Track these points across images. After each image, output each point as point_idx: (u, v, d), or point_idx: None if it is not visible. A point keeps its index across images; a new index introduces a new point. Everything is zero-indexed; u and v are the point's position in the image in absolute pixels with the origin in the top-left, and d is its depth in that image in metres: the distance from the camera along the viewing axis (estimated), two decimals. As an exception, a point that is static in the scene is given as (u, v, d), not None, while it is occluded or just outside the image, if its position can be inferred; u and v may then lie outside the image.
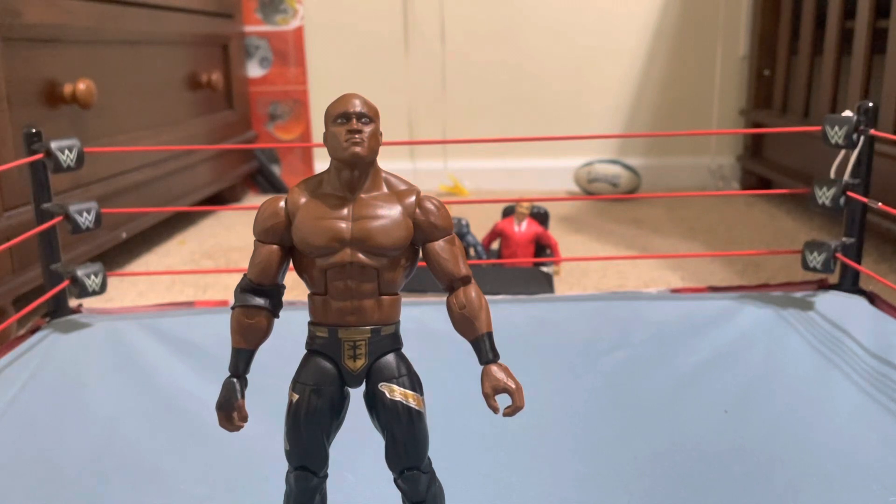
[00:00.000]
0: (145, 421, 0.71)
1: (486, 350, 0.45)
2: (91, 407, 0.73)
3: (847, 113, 0.87)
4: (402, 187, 0.46)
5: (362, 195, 0.45)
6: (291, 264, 0.47)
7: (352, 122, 0.44)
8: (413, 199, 0.46)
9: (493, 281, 1.15)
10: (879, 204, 0.84)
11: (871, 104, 0.86)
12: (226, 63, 2.00)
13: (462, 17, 2.13)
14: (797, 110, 1.78)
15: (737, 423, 0.69)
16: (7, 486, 0.61)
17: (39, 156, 0.84)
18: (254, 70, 2.17)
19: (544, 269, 1.25)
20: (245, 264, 0.47)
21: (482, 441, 0.65)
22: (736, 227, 1.68)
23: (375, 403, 0.46)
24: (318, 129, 2.20)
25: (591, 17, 2.12)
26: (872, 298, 0.90)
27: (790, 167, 1.78)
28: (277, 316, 0.47)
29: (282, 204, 0.46)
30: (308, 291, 0.46)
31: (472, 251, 1.27)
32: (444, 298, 0.46)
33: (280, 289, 0.47)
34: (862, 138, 0.87)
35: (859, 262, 0.91)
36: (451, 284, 0.46)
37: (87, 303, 0.92)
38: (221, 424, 0.46)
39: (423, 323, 0.78)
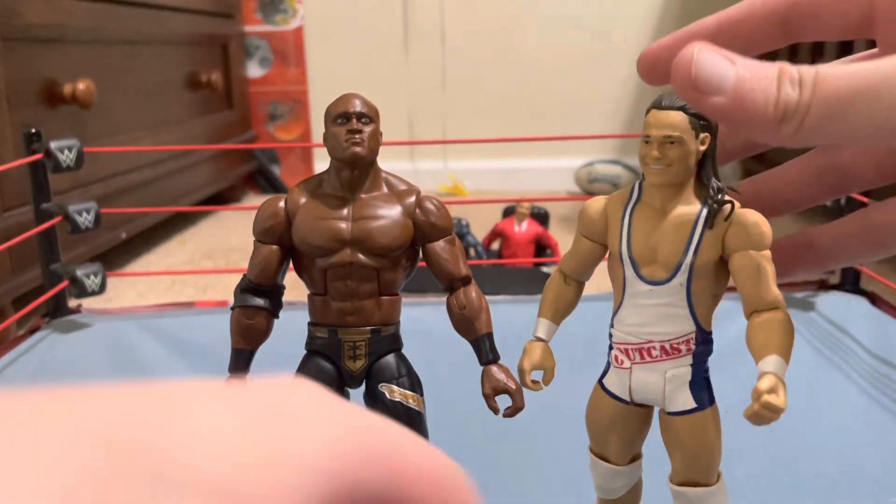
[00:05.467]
0: (145, 421, 0.71)
1: (486, 350, 0.45)
2: (91, 407, 0.73)
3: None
4: (402, 187, 0.46)
5: (362, 195, 0.45)
6: (291, 264, 0.47)
7: (352, 122, 0.44)
8: (413, 199, 0.46)
9: (493, 281, 1.15)
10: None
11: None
12: (225, 63, 2.00)
13: (462, 17, 2.13)
14: (797, 110, 1.77)
15: (737, 423, 0.69)
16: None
17: (39, 156, 0.84)
18: (254, 70, 2.17)
19: (544, 269, 1.25)
20: (245, 264, 0.47)
21: (482, 441, 0.65)
22: (736, 227, 1.67)
23: (375, 404, 0.46)
24: (318, 130, 2.20)
25: (592, 17, 2.12)
26: (873, 299, 0.90)
27: (790, 167, 1.78)
28: (277, 316, 0.47)
29: (281, 204, 0.46)
30: (308, 292, 0.46)
31: (472, 251, 1.27)
32: (444, 299, 0.46)
33: (280, 289, 0.47)
34: (862, 138, 0.87)
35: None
36: (451, 285, 0.46)
37: (87, 303, 0.92)
38: (221, 425, 0.45)
39: (423, 323, 0.78)
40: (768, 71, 0.28)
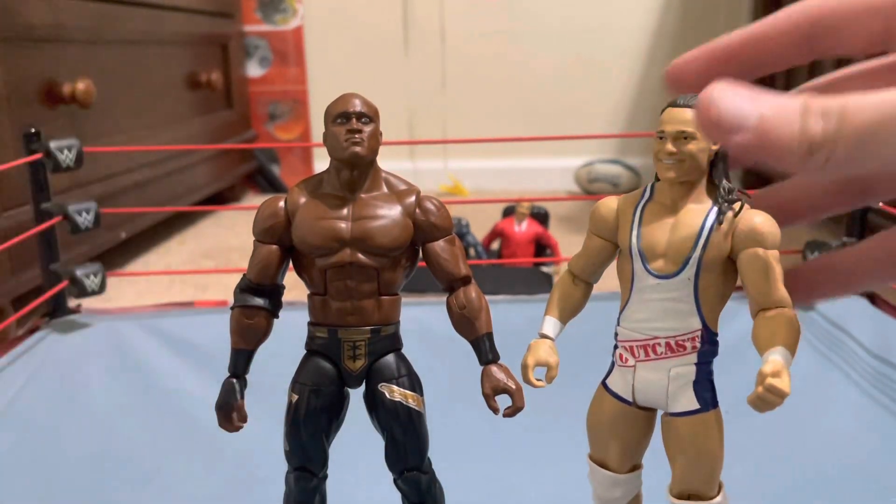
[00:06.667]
0: (145, 421, 0.71)
1: (485, 350, 0.45)
2: (91, 407, 0.73)
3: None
4: (402, 187, 0.46)
5: (362, 195, 0.45)
6: (291, 264, 0.47)
7: (351, 121, 0.44)
8: (413, 199, 0.45)
9: (493, 281, 1.15)
10: (880, 203, 0.84)
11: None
12: (225, 63, 2.00)
13: (462, 17, 2.13)
14: (797, 110, 1.77)
15: (737, 423, 0.69)
16: (7, 486, 0.61)
17: (38, 156, 0.84)
18: (253, 70, 2.17)
19: (544, 269, 1.25)
20: (245, 264, 0.47)
21: (482, 441, 0.65)
22: (736, 227, 1.67)
23: (375, 404, 0.46)
24: (317, 129, 2.20)
25: (592, 17, 2.12)
26: (873, 298, 0.90)
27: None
28: (277, 316, 0.47)
29: (281, 204, 0.46)
30: (308, 291, 0.46)
31: (472, 251, 1.27)
32: (444, 298, 0.46)
33: (280, 289, 0.47)
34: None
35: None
36: (451, 284, 0.46)
37: (87, 303, 0.92)
38: (221, 425, 0.45)
39: (423, 323, 0.78)
40: (792, 106, 0.28)
